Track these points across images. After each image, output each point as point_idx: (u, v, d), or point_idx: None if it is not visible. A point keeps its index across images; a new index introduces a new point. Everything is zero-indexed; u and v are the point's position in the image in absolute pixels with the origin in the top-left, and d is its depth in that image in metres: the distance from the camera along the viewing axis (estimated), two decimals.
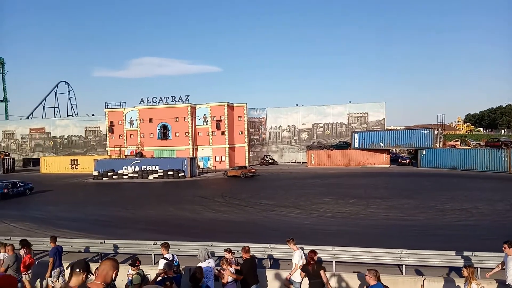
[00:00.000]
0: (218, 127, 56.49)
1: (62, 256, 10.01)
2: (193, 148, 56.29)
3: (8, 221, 20.48)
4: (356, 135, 52.55)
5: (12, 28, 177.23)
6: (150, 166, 45.22)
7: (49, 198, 30.49)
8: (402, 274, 10.04)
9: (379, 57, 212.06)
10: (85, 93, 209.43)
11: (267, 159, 59.72)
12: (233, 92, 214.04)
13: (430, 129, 47.59)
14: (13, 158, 64.51)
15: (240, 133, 59.16)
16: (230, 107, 58.35)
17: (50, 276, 9.45)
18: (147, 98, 57.27)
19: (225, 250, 8.69)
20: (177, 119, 56.66)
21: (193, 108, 57.21)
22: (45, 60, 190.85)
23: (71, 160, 58.16)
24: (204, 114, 57.64)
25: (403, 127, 71.61)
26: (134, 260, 7.71)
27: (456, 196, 24.20)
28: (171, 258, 8.27)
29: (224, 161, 56.40)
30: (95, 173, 45.54)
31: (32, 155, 71.99)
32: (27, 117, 79.69)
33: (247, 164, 57.71)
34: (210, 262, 7.91)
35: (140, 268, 7.71)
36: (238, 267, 8.13)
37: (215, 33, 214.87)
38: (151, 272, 8.79)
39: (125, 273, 7.81)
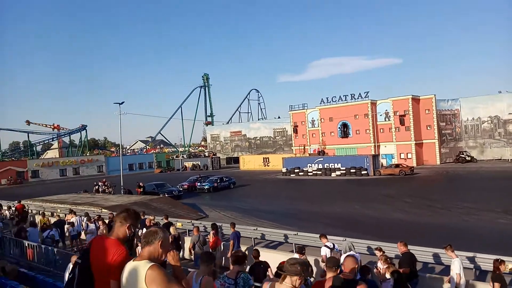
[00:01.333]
0: (401, 122, 53.02)
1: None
2: (375, 146, 54.56)
3: (219, 210, 24.60)
4: None
5: (216, 47, 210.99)
6: (333, 164, 46.23)
7: (248, 191, 35.00)
8: None
9: None
10: (272, 97, 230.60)
11: (463, 156, 52.34)
12: (418, 83, 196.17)
13: None
14: (219, 157, 76.94)
15: (428, 128, 53.90)
16: (415, 100, 53.87)
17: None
18: (327, 98, 58.89)
19: (376, 249, 8.83)
20: (357, 116, 56.06)
21: (374, 104, 55.44)
22: (239, 72, 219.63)
23: (263, 158, 65.04)
24: (386, 110, 55.07)
25: None
26: (300, 248, 8.82)
27: None
28: (332, 246, 9.26)
29: (410, 158, 52.48)
30: (284, 170, 49.66)
31: (232, 154, 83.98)
32: (227, 122, 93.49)
33: (437, 162, 52.28)
34: (355, 255, 8.48)
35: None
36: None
37: (392, 24, 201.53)
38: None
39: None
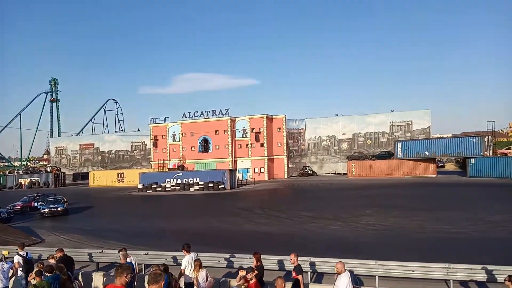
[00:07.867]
0: (257, 139, 56.90)
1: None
2: (232, 160, 56.96)
3: (58, 233, 21.36)
4: (399, 144, 50.81)
5: (63, 48, 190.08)
6: (191, 179, 46.20)
7: (96, 211, 31.86)
8: None
9: (422, 63, 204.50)
10: (131, 109, 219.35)
11: (306, 170, 59.15)
12: (272, 104, 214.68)
13: (479, 137, 45.04)
14: (64, 173, 68.42)
15: (279, 145, 59.16)
16: (269, 119, 58.65)
17: None
18: (189, 112, 59.40)
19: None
20: (217, 132, 57.76)
21: (233, 121, 58.09)
22: (95, 79, 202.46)
23: (118, 173, 60.73)
24: (244, 127, 58.34)
25: (450, 135, 68.32)
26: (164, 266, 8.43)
27: (509, 207, 22.59)
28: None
29: (263, 173, 56.55)
30: (140, 186, 47.21)
31: (82, 169, 76.06)
32: (78, 134, 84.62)
33: (285, 176, 57.51)
34: None
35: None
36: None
37: (252, 47, 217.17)
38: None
39: None
